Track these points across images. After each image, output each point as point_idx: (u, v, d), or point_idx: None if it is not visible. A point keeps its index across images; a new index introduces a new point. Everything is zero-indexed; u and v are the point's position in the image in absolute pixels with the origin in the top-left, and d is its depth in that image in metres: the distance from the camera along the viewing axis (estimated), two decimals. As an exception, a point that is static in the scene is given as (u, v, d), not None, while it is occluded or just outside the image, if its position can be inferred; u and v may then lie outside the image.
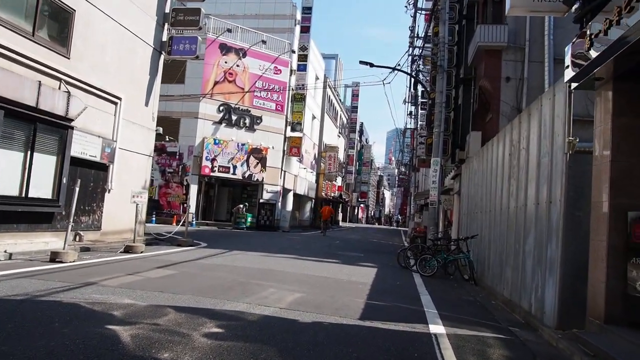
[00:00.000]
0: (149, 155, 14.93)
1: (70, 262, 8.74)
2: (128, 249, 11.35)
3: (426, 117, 22.58)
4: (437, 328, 5.81)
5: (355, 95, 62.35)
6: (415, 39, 21.07)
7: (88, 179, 12.05)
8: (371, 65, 17.60)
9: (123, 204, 12.83)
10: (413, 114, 44.68)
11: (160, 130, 15.77)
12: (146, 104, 14.55)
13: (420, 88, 32.31)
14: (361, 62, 17.64)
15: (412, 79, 21.47)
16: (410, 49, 19.52)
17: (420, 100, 34.39)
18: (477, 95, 19.09)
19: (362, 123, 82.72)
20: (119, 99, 12.99)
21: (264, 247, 15.94)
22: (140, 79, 14.22)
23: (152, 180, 27.07)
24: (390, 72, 19.86)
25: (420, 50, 20.29)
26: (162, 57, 15.36)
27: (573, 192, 6.61)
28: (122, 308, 5.23)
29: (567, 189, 6.39)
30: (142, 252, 11.40)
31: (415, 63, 19.77)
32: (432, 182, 16.70)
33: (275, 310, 5.90)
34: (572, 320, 6.16)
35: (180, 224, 24.88)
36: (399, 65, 16.72)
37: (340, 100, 55.91)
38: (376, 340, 4.94)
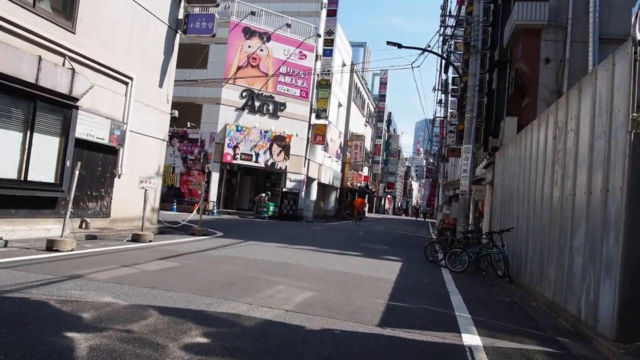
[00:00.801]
0: (163, 140, 14.25)
1: (68, 251, 8.07)
2: (136, 238, 10.70)
3: (457, 102, 21.32)
4: (471, 338, 4.85)
5: (383, 84, 60.89)
6: (447, 17, 19.78)
7: (95, 163, 11.42)
8: (399, 46, 16.49)
9: (134, 190, 12.16)
10: (443, 102, 43.13)
11: (176, 113, 15.07)
12: (160, 85, 13.85)
13: (450, 73, 30.93)
14: (388, 43, 16.56)
15: (443, 62, 20.27)
16: (442, 28, 18.30)
17: (450, 87, 32.96)
18: (512, 78, 17.79)
19: (390, 113, 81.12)
20: (130, 78, 12.30)
21: (283, 237, 15.15)
22: (153, 58, 13.51)
23: (173, 167, 26.70)
24: (419, 55, 18.71)
25: (453, 29, 19.05)
26: (178, 35, 14.60)
27: (638, 178, 5.52)
28: (96, 308, 4.45)
29: (630, 175, 5.30)
30: (150, 242, 10.73)
31: (447, 43, 18.54)
32: (463, 171, 15.57)
33: (278, 313, 5.03)
34: (635, 330, 5.12)
35: (195, 211, 24.43)
36: (429, 46, 15.59)
37: (367, 88, 54.63)
38: (397, 356, 4.02)
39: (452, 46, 18.03)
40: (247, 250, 10.63)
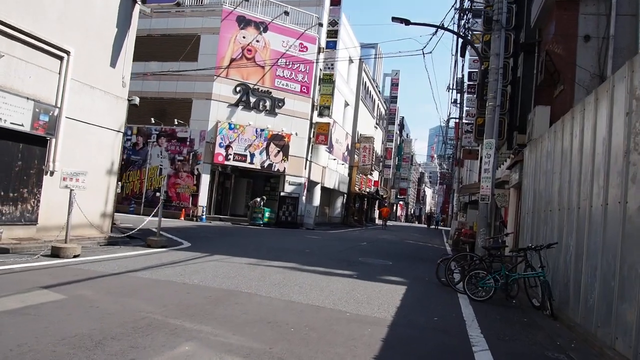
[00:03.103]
0: (118, 131, 11.74)
1: None
2: (56, 252, 8.17)
3: (476, 90, 18.61)
4: None
5: (394, 85, 58.14)
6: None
7: (12, 156, 8.90)
8: (407, 22, 13.84)
9: (78, 191, 9.64)
10: (458, 101, 40.27)
11: (137, 100, 12.58)
12: (112, 65, 11.36)
13: (467, 67, 28.20)
14: (394, 19, 13.91)
15: (459, 45, 17.65)
16: (458, 1, 15.63)
17: (466, 84, 30.19)
18: (542, 63, 14.99)
19: (402, 117, 78.28)
20: (66, 52, 9.82)
21: (265, 250, 12.53)
22: (102, 31, 11.04)
23: (160, 169, 24.31)
24: (432, 34, 16.04)
25: (470, 3, 16.36)
26: (137, 7, 12.14)
27: None
28: None
29: None
30: (75, 257, 8.19)
31: (464, 19, 15.89)
32: (484, 171, 12.81)
33: None
34: None
35: (182, 218, 22.02)
36: (442, 24, 13.01)
37: (378, 90, 51.96)
38: None
39: (469, 22, 15.41)
40: (198, 269, 8.00)
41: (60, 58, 9.78)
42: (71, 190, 8.63)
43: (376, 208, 57.14)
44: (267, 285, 7.09)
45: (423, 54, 17.63)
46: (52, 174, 9.76)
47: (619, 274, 5.37)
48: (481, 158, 24.86)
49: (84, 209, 10.00)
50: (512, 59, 16.27)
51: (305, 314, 5.51)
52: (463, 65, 28.31)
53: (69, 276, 6.42)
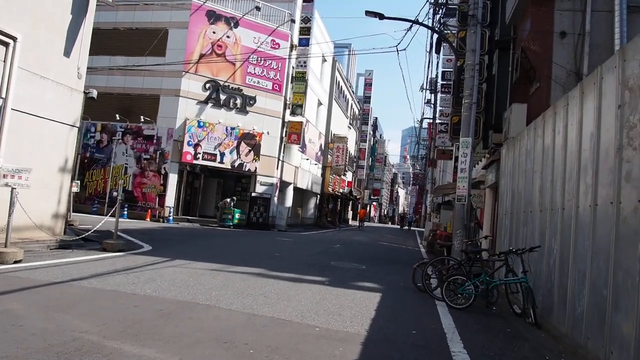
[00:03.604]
0: (73, 125, 10.85)
1: None
2: (-7, 258, 7.32)
3: (452, 88, 18.25)
4: None
5: (368, 85, 57.85)
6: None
7: (-55, 151, 8.01)
8: (381, 16, 13.34)
9: (21, 190, 8.77)
10: (431, 102, 40.20)
11: (94, 93, 11.72)
12: (66, 54, 10.48)
13: (440, 67, 27.99)
14: (367, 13, 13.39)
15: (433, 40, 17.25)
16: (432, -5, 15.26)
17: (440, 83, 29.97)
18: (518, 60, 14.75)
19: (376, 118, 78.18)
20: (13, 38, 8.93)
21: (232, 253, 11.84)
22: (55, 18, 10.16)
23: (125, 168, 23.28)
24: (407, 30, 15.59)
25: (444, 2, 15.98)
26: (95, -8, 11.28)
27: None
28: None
29: None
30: (15, 262, 7.36)
31: (439, 14, 15.50)
32: (460, 170, 12.39)
33: None
34: None
35: (148, 218, 21.02)
36: (417, 18, 12.53)
37: (352, 90, 51.57)
38: None
39: (444, 17, 14.97)
40: (154, 277, 7.27)
41: (6, 45, 8.89)
42: (12, 188, 7.77)
43: (349, 209, 56.82)
44: (228, 295, 6.42)
45: (397, 50, 17.20)
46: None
47: (613, 280, 4.92)
48: (456, 158, 24.65)
49: (32, 209, 9.14)
50: (487, 56, 15.95)
51: (269, 330, 4.87)
52: (438, 62, 28.11)
53: (1, 286, 5.63)
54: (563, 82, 11.88)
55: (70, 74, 10.67)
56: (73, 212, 18.18)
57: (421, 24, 13.23)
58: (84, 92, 11.17)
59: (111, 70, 24.08)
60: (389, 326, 5.78)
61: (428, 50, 21.24)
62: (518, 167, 10.24)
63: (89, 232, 10.61)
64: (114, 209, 10.55)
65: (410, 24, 13.59)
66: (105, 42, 24.55)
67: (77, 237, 10.67)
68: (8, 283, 5.88)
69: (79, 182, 15.47)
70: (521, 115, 12.47)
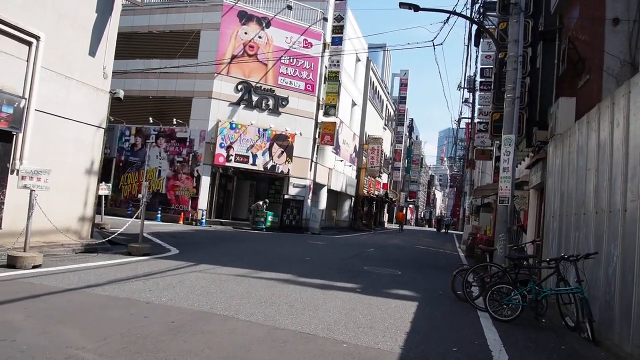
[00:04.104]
0: (99, 126, 10.67)
1: None
2: (12, 262, 7.08)
3: (493, 81, 17.32)
4: None
5: (403, 85, 56.83)
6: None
7: (-33, 152, 7.87)
8: (416, 8, 12.68)
9: (49, 192, 8.58)
10: (469, 100, 38.95)
11: (121, 93, 11.51)
12: (91, 54, 10.30)
13: (479, 62, 26.94)
14: (402, 5, 12.73)
15: (472, 32, 16.37)
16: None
17: (479, 80, 28.86)
18: (565, 51, 13.80)
19: (412, 119, 76.87)
20: (36, 37, 8.78)
21: (261, 257, 11.39)
22: (79, 16, 9.99)
23: (159, 171, 23.32)
24: (444, 22, 14.79)
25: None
26: (121, -10, 11.09)
27: None
28: None
29: None
30: (34, 267, 7.11)
31: (477, 4, 14.57)
32: (503, 170, 11.55)
33: None
34: None
35: (181, 221, 20.90)
36: (454, 9, 11.81)
37: (387, 91, 50.70)
38: None
39: (482, 6, 14.05)
40: (173, 283, 6.86)
41: (29, 44, 8.74)
42: (32, 190, 7.53)
43: (385, 212, 55.88)
44: (250, 304, 5.93)
45: (433, 45, 16.40)
46: (19, 173, 8.68)
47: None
48: (496, 158, 23.55)
49: (57, 212, 8.96)
50: (531, 48, 15.01)
51: (289, 347, 4.33)
52: (477, 58, 27.02)
53: (9, 293, 5.32)
54: (616, 73, 10.90)
55: (96, 74, 10.49)
56: (107, 215, 18.26)
57: (459, 15, 12.48)
58: (110, 93, 10.97)
59: (145, 74, 24.20)
60: (426, 341, 5.15)
61: (466, 43, 20.31)
62: (568, 165, 9.37)
63: (114, 235, 10.36)
64: (138, 211, 10.27)
65: (448, 15, 12.85)
66: (140, 45, 24.78)
67: (104, 240, 10.45)
68: (17, 290, 5.57)
69: (110, 184, 15.41)
70: (569, 110, 11.57)
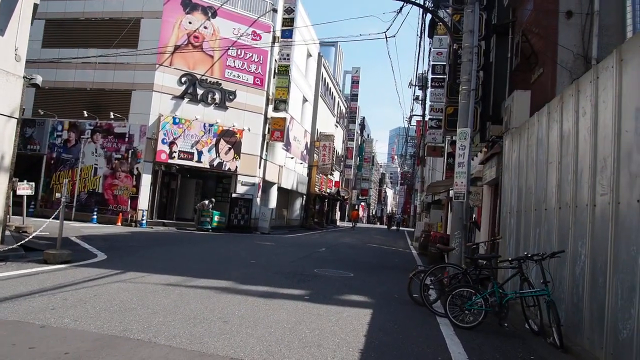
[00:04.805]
0: (10, 116, 9.30)
1: None
2: None
3: (448, 73, 16.93)
4: None
5: (355, 82, 56.61)
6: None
7: None
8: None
9: None
10: (420, 98, 39.02)
11: (39, 79, 10.14)
12: (0, 32, 8.95)
13: (430, 59, 26.76)
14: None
15: (425, 19, 15.86)
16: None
17: (431, 77, 28.71)
18: (518, 45, 13.52)
19: (363, 117, 76.94)
20: None
21: (200, 261, 10.38)
22: (-16, -13, 8.64)
23: (95, 169, 21.66)
24: (395, 16, 14.20)
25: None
26: (37, -38, 9.75)
27: None
28: None
29: None
30: None
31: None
32: (458, 165, 11.03)
33: None
34: None
35: (119, 223, 19.32)
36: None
37: (339, 89, 50.19)
38: None
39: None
40: (86, 298, 5.79)
41: None
42: None
43: (337, 209, 55.47)
44: (175, 322, 4.97)
45: (386, 37, 15.82)
46: None
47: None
48: (448, 154, 23.35)
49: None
50: (484, 42, 14.70)
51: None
52: (430, 51, 26.84)
53: None
54: (570, 66, 10.58)
55: (6, 55, 9.13)
56: (37, 217, 16.57)
57: (413, 3, 11.88)
58: (25, 78, 9.62)
59: (80, 64, 22.42)
60: (382, 357, 4.38)
61: (419, 34, 19.88)
62: (526, 159, 8.93)
63: (27, 240, 9.05)
64: (57, 211, 9.01)
65: (402, 4, 12.24)
66: (74, 33, 22.95)
67: (15, 246, 9.10)
68: None
69: (32, 183, 13.86)
70: (524, 103, 11.22)
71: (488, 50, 15.08)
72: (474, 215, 16.32)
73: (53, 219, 9.28)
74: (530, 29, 12.36)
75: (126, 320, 4.84)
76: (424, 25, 15.96)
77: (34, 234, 9.36)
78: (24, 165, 22.72)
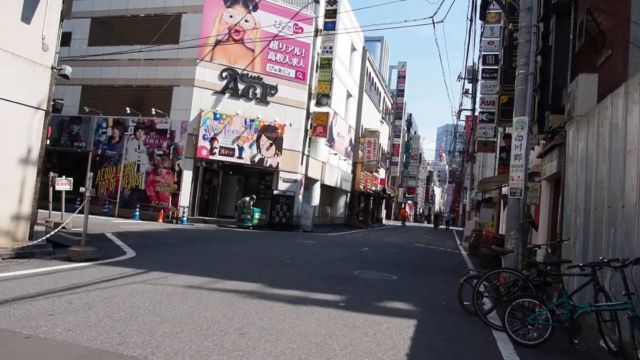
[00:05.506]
0: (37, 108, 8.99)
1: None
2: None
3: (502, 57, 15.66)
4: None
5: (401, 77, 55.08)
6: None
7: None
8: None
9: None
10: (470, 92, 37.28)
11: (68, 70, 9.81)
12: (25, 20, 8.61)
13: (483, 40, 25.31)
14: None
15: (477, 4, 14.68)
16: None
17: (481, 68, 27.19)
18: (582, 25, 12.15)
19: (410, 114, 75.17)
20: (-55, -6, 7.12)
21: (233, 261, 9.76)
22: (9, -27, 8.32)
23: (137, 165, 21.66)
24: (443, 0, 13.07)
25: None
26: (64, -52, 9.38)
27: None
28: None
29: None
30: None
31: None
32: (515, 157, 9.87)
33: None
34: None
35: (77, 212, 19.22)
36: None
37: (385, 84, 48.95)
38: None
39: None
40: (95, 301, 5.22)
41: None
42: None
43: (383, 208, 54.22)
44: (183, 334, 4.29)
45: (433, 22, 14.77)
46: None
47: None
48: (501, 148, 21.86)
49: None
50: (542, 23, 13.38)
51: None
52: (481, 39, 25.38)
53: None
54: (644, 44, 9.25)
55: (32, 45, 8.80)
56: (81, 214, 16.45)
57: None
58: (54, 69, 9.29)
59: (123, 61, 22.50)
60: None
61: (469, 17, 18.58)
62: (596, 149, 7.74)
63: (51, 234, 8.69)
64: (80, 206, 8.62)
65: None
66: (117, 30, 23.07)
67: (38, 242, 8.77)
68: None
69: (71, 179, 13.72)
70: (591, 87, 9.97)
71: (547, 32, 13.73)
72: (530, 214, 14.98)
73: (78, 213, 8.90)
74: (597, 6, 11.08)
75: (127, 331, 4.20)
76: (475, 6, 14.79)
77: (55, 230, 9.02)
78: (72, 162, 23.15)
